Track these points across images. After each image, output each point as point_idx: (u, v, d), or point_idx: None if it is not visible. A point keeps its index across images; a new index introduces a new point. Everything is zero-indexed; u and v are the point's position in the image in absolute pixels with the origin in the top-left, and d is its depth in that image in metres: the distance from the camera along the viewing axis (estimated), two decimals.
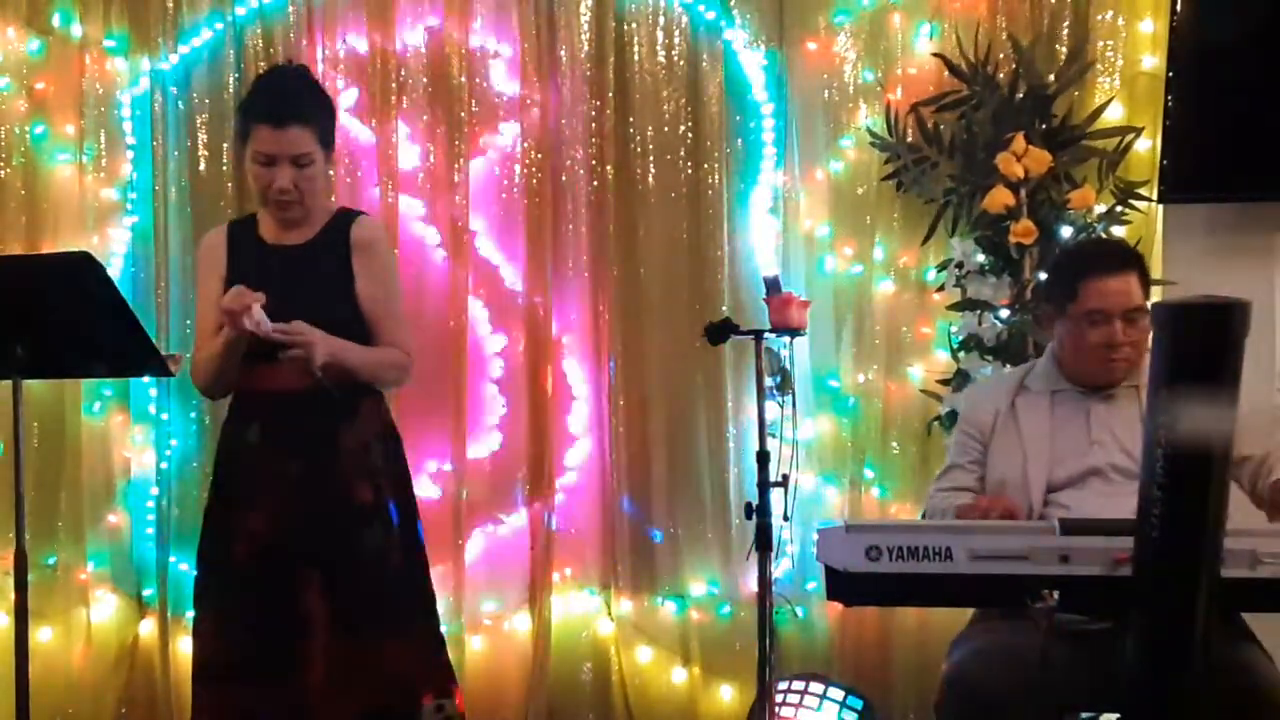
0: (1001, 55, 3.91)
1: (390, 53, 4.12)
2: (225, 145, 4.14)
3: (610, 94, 4.10)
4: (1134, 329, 2.81)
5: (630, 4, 4.11)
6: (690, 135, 4.11)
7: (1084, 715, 2.90)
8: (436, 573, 3.35)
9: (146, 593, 4.22)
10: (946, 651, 2.84)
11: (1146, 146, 3.91)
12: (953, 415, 3.71)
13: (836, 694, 3.80)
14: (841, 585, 2.30)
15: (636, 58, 4.11)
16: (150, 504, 4.21)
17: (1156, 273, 3.64)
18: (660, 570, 4.14)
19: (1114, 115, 3.90)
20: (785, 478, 3.27)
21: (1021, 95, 3.84)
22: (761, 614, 3.18)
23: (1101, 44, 3.93)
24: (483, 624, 4.18)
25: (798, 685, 3.82)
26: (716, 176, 4.09)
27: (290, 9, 4.14)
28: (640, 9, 4.11)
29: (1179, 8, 3.75)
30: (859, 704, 3.81)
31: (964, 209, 3.89)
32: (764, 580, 3.17)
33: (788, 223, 4.12)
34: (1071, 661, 2.48)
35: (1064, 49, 3.92)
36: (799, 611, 3.97)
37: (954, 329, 3.91)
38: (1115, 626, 2.36)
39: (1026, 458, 2.86)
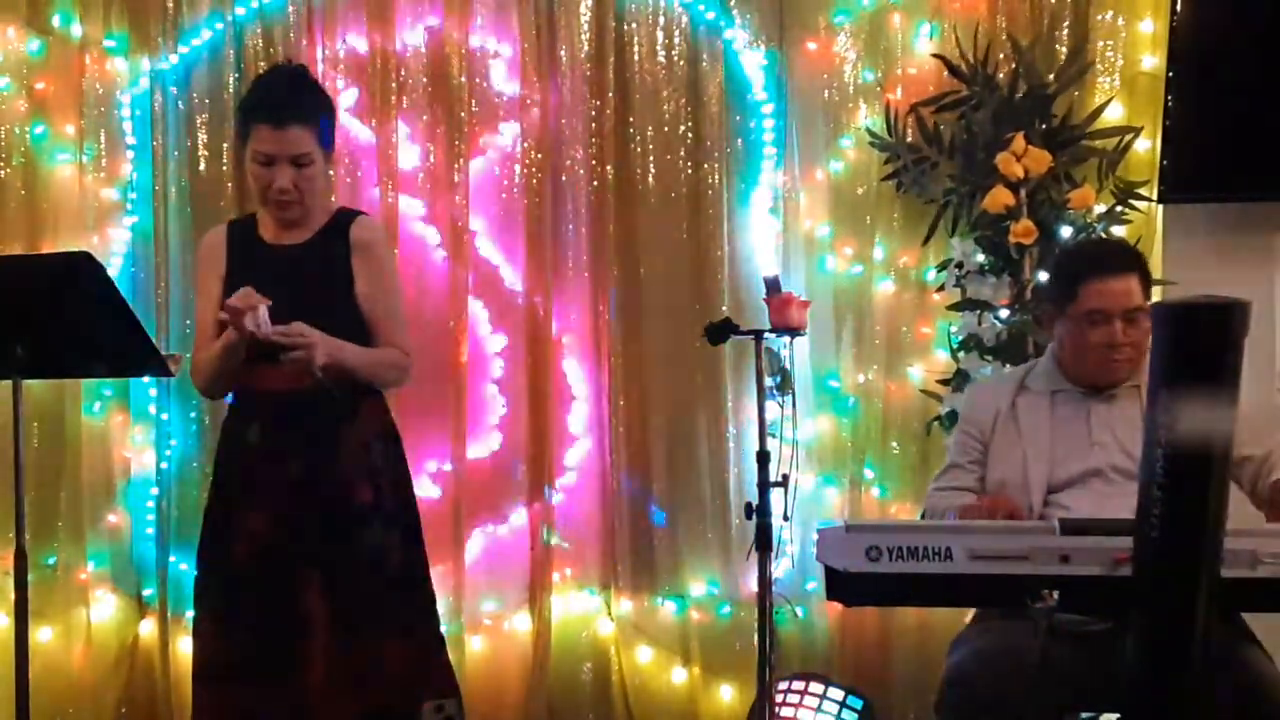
0: (1001, 55, 3.91)
1: (390, 53, 4.12)
2: (225, 145, 4.14)
3: (610, 94, 4.10)
4: (1134, 329, 2.81)
5: (630, 4, 4.11)
6: (690, 135, 4.11)
7: (1084, 715, 2.90)
8: (436, 573, 3.36)
9: (146, 593, 4.22)
10: (946, 651, 2.84)
11: (1146, 146, 3.91)
12: (953, 415, 3.71)
13: (836, 694, 3.80)
14: (841, 585, 2.30)
15: (636, 58, 4.11)
16: (150, 504, 4.21)
17: (1156, 273, 3.64)
18: (660, 570, 4.14)
19: (1114, 115, 3.90)
20: (785, 478, 3.27)
21: (1021, 95, 3.84)
22: (761, 614, 3.18)
23: (1101, 44, 3.93)
24: (483, 624, 4.18)
25: (798, 685, 3.82)
26: (716, 176, 4.09)
27: (290, 9, 4.14)
28: (640, 9, 4.11)
29: (1179, 8, 3.75)
30: (859, 704, 3.81)
31: (964, 209, 3.89)
32: (764, 580, 3.17)
33: (788, 223, 4.12)
34: (1071, 661, 2.48)
35: (1064, 49, 3.93)
36: (799, 611, 3.97)
37: (954, 329, 3.92)
38: (1115, 626, 2.36)
39: (1027, 458, 2.86)
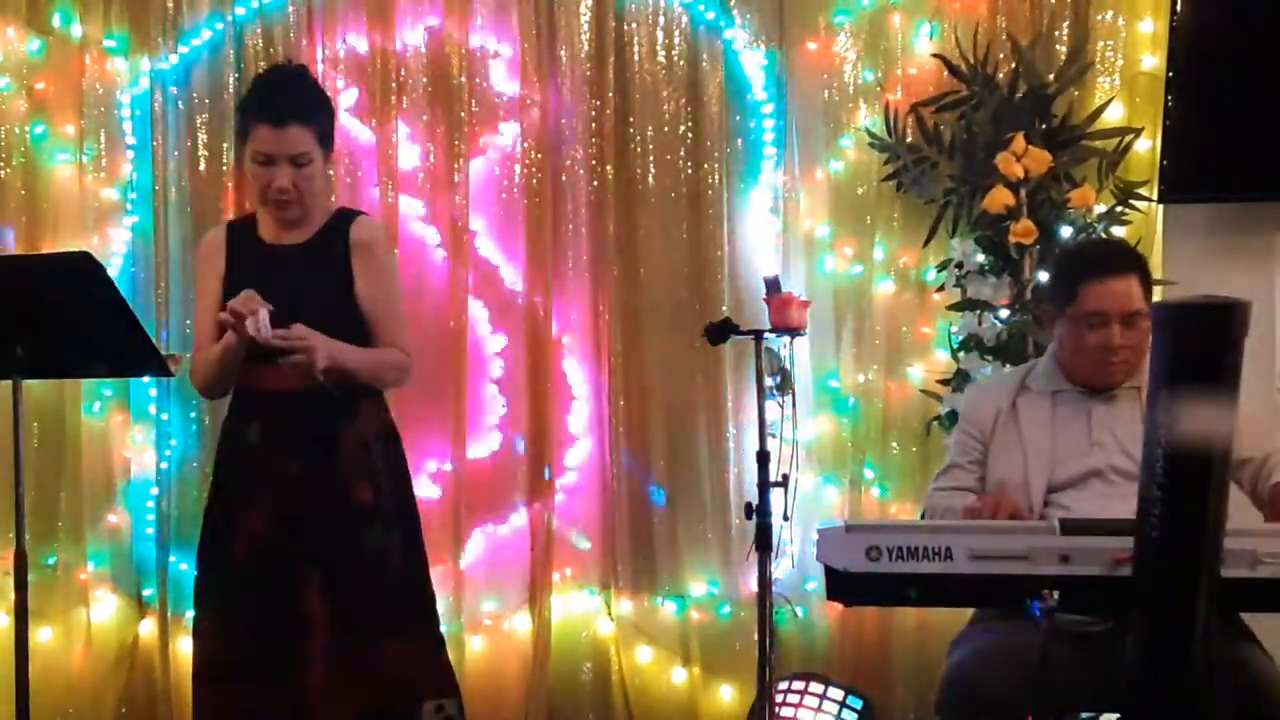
0: (1001, 55, 3.91)
1: (390, 53, 4.12)
2: (225, 145, 4.14)
3: (610, 94, 4.10)
4: (1133, 332, 2.80)
5: (630, 4, 4.11)
6: (690, 135, 4.11)
7: (1084, 715, 2.90)
8: (436, 573, 3.36)
9: (146, 593, 4.22)
10: (946, 651, 2.84)
11: (1146, 146, 3.91)
12: (953, 415, 3.71)
13: (836, 694, 3.81)
14: (841, 585, 2.30)
15: (636, 58, 4.11)
16: (150, 504, 4.20)
17: (1156, 273, 3.63)
18: (660, 570, 4.14)
19: (1114, 115, 3.90)
20: (785, 478, 3.27)
21: (1021, 95, 3.84)
22: (761, 614, 3.18)
23: (1101, 44, 3.93)
24: (483, 624, 4.18)
25: (798, 685, 3.82)
26: (716, 176, 4.09)
27: (290, 9, 4.14)
28: (640, 9, 4.11)
29: (1179, 8, 3.75)
30: (859, 704, 3.81)
31: (964, 209, 3.89)
32: (764, 580, 3.17)
33: (788, 223, 4.12)
34: (1071, 661, 2.48)
35: (1064, 49, 3.92)
36: (799, 611, 3.97)
37: (954, 329, 3.91)
38: (1115, 626, 2.36)
39: (1027, 458, 2.86)
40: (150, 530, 4.20)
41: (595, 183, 4.13)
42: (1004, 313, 3.79)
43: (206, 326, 3.01)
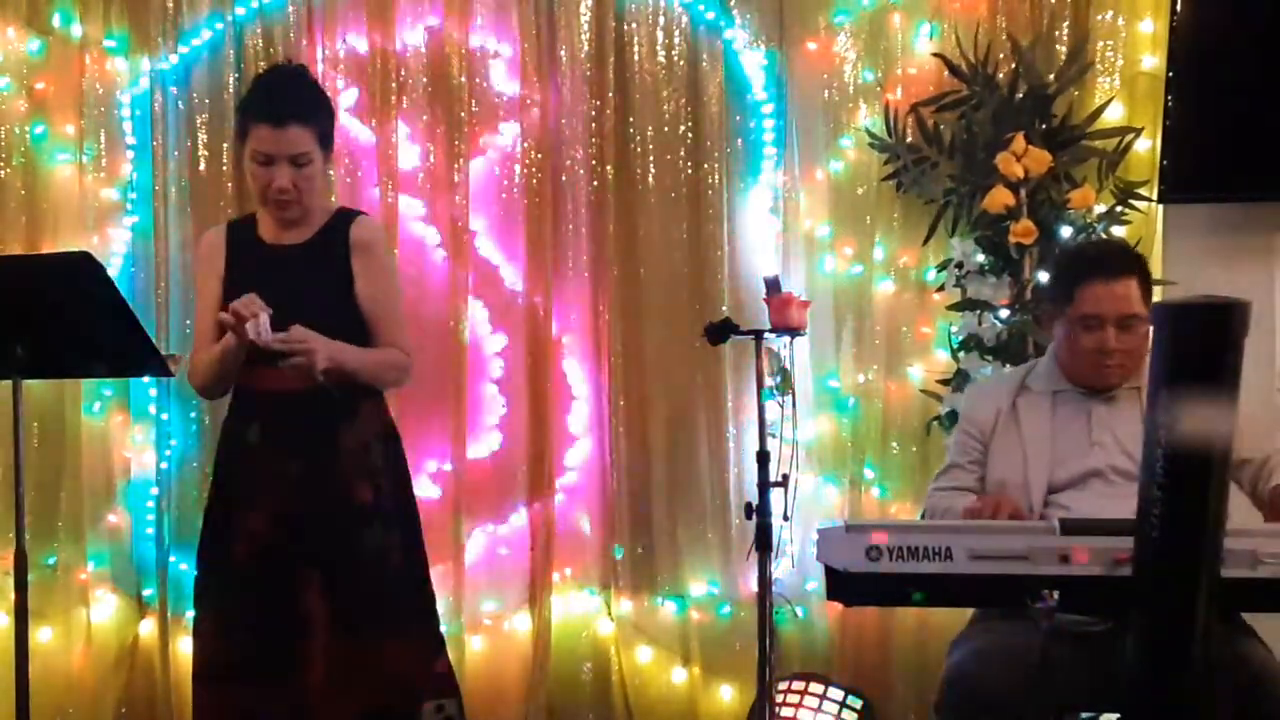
0: (1001, 55, 3.91)
1: (390, 53, 4.12)
2: (225, 145, 4.14)
3: (610, 94, 4.10)
4: (1129, 335, 2.79)
5: (630, 4, 4.11)
6: (690, 135, 4.11)
7: (1084, 715, 2.90)
8: (436, 573, 3.36)
9: (146, 593, 4.22)
10: (946, 651, 2.84)
11: (1146, 146, 3.90)
12: (953, 415, 3.71)
13: (836, 694, 3.81)
14: (841, 585, 2.30)
15: (636, 58, 4.11)
16: (150, 504, 4.20)
17: (1156, 273, 3.63)
18: (660, 570, 4.14)
19: (1114, 115, 3.90)
20: (785, 478, 3.27)
21: (1021, 95, 3.83)
22: (761, 614, 3.18)
23: (1101, 44, 3.93)
24: (483, 624, 4.18)
25: (798, 685, 3.83)
26: (716, 176, 4.09)
27: (290, 9, 4.14)
28: (640, 9, 4.11)
29: (1179, 8, 3.75)
30: (859, 704, 3.81)
31: (964, 209, 3.88)
32: (764, 580, 3.17)
33: (788, 223, 4.12)
34: (1071, 661, 2.48)
35: (1064, 49, 3.92)
36: (799, 611, 3.97)
37: (954, 329, 3.91)
38: (1115, 626, 2.36)
39: (1027, 458, 2.86)
40: (150, 530, 4.20)
41: (595, 183, 4.13)
42: (1004, 313, 3.79)
43: (206, 326, 3.01)
